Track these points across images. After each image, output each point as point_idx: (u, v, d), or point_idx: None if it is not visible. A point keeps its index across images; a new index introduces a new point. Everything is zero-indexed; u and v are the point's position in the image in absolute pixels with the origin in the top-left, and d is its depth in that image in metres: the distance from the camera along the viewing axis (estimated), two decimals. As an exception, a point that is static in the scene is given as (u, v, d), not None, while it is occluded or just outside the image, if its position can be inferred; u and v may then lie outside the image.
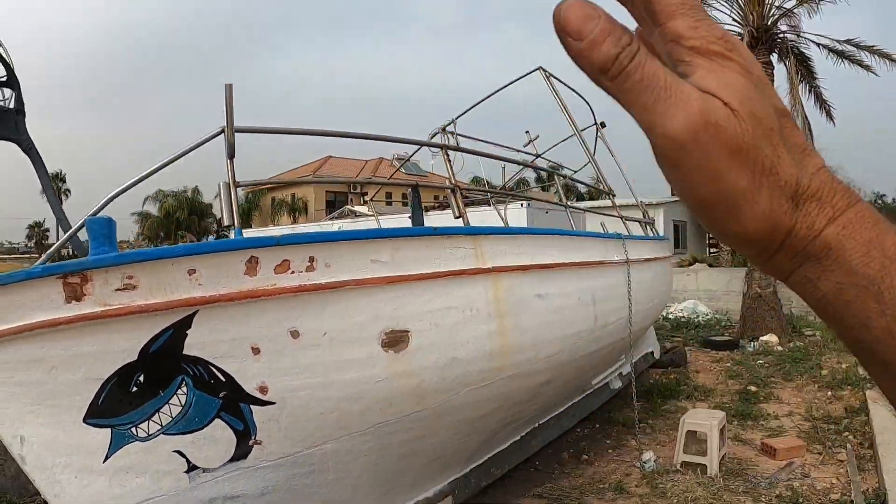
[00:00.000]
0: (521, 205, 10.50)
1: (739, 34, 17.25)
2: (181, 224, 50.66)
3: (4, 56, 5.90)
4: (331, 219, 25.98)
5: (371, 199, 14.31)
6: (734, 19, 17.56)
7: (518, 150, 10.98)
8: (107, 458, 3.77)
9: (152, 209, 53.04)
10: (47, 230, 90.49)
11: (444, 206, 11.60)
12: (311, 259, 4.04)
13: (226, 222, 3.98)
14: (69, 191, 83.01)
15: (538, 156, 11.36)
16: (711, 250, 35.22)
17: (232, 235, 3.98)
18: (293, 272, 3.97)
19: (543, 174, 36.50)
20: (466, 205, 9.96)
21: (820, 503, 6.45)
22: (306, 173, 50.42)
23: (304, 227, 26.37)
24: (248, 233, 4.05)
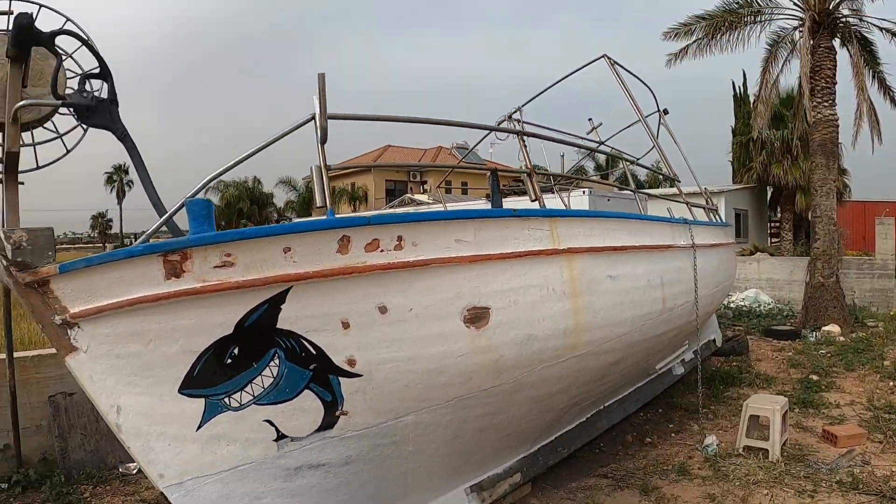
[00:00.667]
0: (583, 192, 10.59)
1: (801, 19, 17.02)
2: (242, 214, 51.23)
3: (97, 50, 6.19)
4: (390, 207, 26.16)
5: (438, 187, 14.48)
6: (796, 3, 17.30)
7: (582, 138, 11.07)
8: (200, 427, 3.93)
9: (213, 199, 53.66)
10: (111, 220, 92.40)
11: (504, 194, 11.70)
12: (400, 238, 4.20)
13: (318, 204, 4.14)
14: (132, 182, 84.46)
15: (602, 143, 11.43)
16: (773, 239, 34.67)
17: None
18: (382, 251, 4.13)
19: (602, 162, 36.16)
20: (527, 192, 10.13)
21: (879, 490, 6.45)
22: (366, 162, 50.81)
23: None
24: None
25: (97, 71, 6.07)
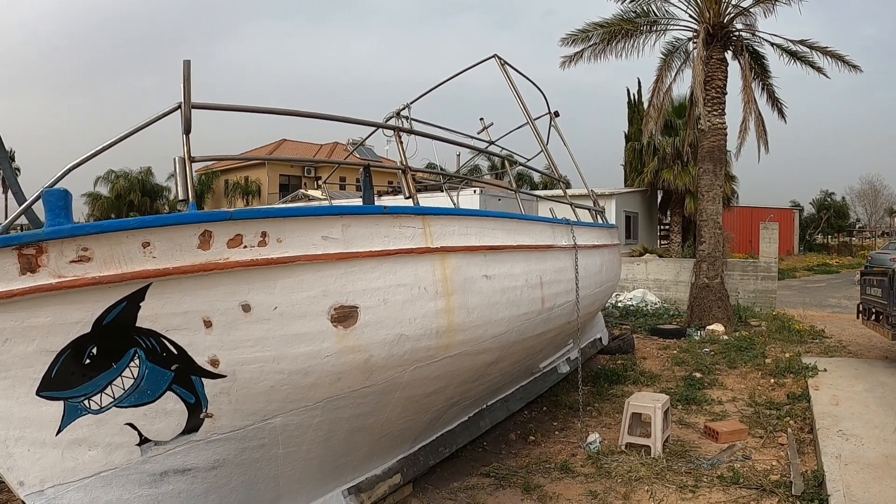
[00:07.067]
0: (475, 191, 10.58)
1: (696, 31, 17.52)
2: (133, 206, 49.68)
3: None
4: (284, 202, 25.80)
5: (324, 182, 14.24)
6: (691, 16, 17.82)
7: (472, 137, 11.04)
8: (59, 431, 3.76)
9: (103, 190, 51.92)
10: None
11: (397, 191, 11.65)
12: (264, 234, 4.08)
13: (180, 196, 3.99)
14: (19, 169, 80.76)
15: (491, 142, 11.44)
16: (662, 242, 35.69)
17: (186, 210, 4.00)
18: (245, 246, 4.01)
19: (497, 163, 36.63)
20: (420, 190, 10.01)
21: (760, 484, 6.63)
22: (261, 155, 50.29)
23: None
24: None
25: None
